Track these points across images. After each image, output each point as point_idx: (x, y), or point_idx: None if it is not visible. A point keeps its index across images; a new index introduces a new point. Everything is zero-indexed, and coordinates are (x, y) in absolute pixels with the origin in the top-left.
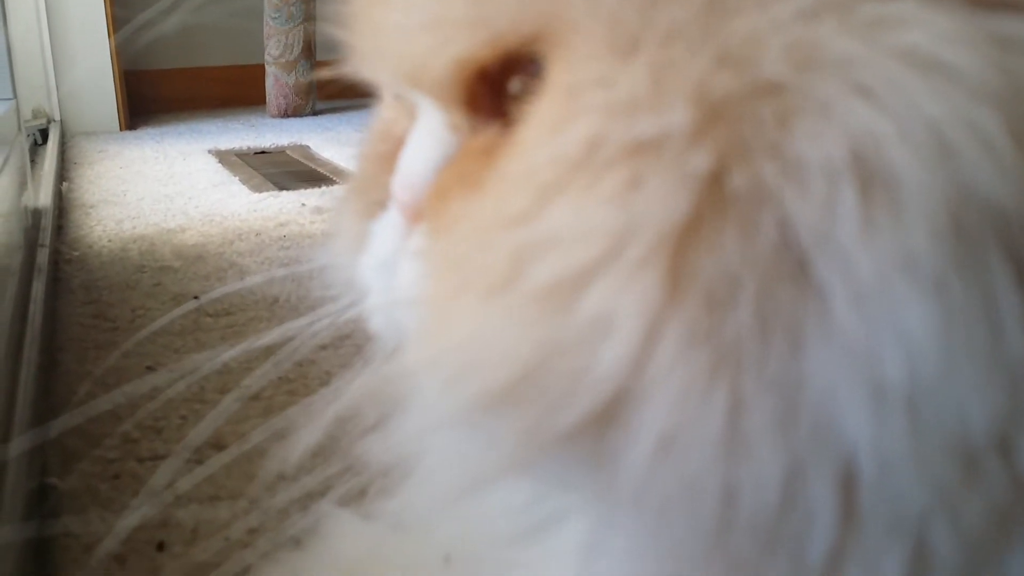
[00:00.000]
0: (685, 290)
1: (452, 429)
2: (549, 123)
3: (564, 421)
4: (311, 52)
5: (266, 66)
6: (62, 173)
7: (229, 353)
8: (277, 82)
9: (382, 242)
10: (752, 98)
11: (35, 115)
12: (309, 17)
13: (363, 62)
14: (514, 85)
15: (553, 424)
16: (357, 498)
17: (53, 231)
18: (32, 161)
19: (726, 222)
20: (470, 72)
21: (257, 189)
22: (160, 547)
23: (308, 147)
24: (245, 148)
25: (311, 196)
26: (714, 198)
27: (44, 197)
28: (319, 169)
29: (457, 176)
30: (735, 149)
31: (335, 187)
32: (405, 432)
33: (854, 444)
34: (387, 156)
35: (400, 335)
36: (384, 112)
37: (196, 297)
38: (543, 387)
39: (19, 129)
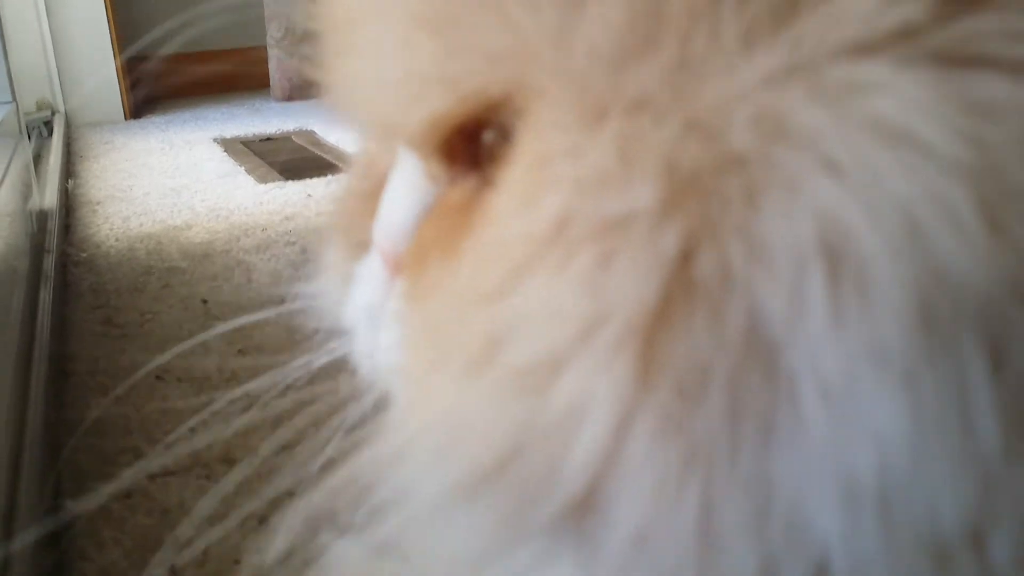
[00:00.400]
0: (656, 379)
1: (439, 510)
2: (519, 195)
3: (543, 508)
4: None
5: (268, 49)
6: (68, 169)
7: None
8: (281, 65)
9: (366, 289)
10: (719, 173)
11: (39, 107)
12: None
13: (338, 108)
14: (488, 136)
15: (533, 511)
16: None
17: (60, 233)
18: (37, 155)
19: (695, 307)
20: (443, 128)
21: (263, 180)
22: (173, 571)
23: (314, 132)
24: (251, 135)
25: (317, 186)
26: (683, 281)
27: (50, 197)
28: (325, 156)
29: (435, 235)
30: (703, 229)
31: (341, 176)
32: (395, 513)
33: (827, 541)
34: (369, 194)
35: (385, 387)
36: (367, 145)
37: (204, 301)
38: (521, 473)
39: (20, 132)
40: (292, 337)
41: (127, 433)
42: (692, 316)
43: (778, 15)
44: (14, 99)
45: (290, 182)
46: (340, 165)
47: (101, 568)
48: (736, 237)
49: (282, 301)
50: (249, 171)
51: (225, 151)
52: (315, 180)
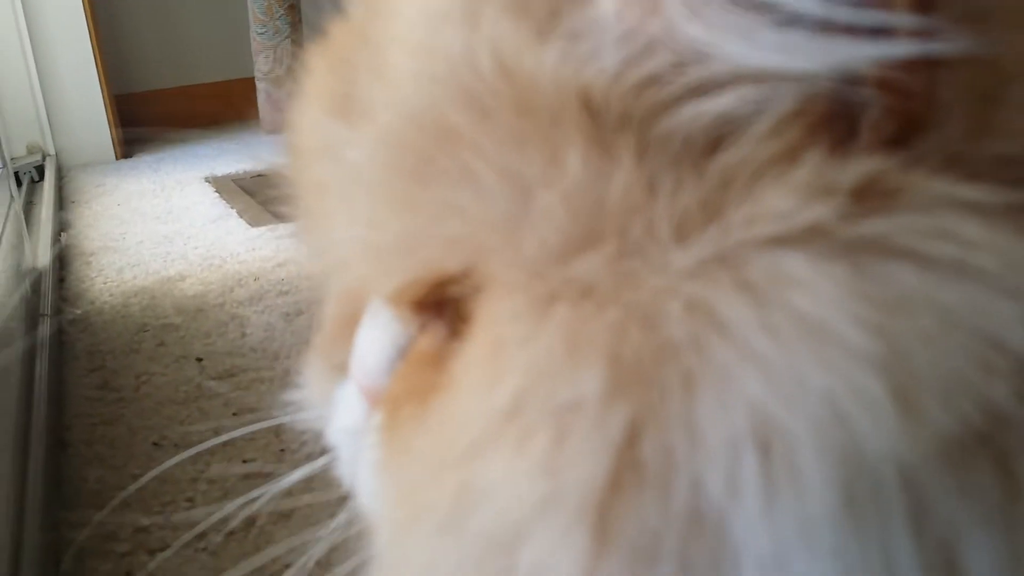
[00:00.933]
0: (611, 547)
1: None
2: (479, 375)
3: None
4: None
5: (256, 82)
6: (60, 219)
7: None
8: (269, 97)
9: (345, 414)
10: (659, 362)
11: (29, 151)
12: (296, 30)
13: (315, 260)
14: (453, 291)
15: None
16: None
17: (54, 289)
18: (28, 203)
19: (643, 485)
20: (408, 293)
21: (255, 221)
22: None
23: None
24: (242, 172)
25: None
26: (631, 461)
27: (43, 254)
28: None
29: (407, 388)
30: (646, 415)
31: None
32: None
33: None
34: (348, 319)
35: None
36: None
37: (200, 359)
38: None
39: (11, 195)
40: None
41: (125, 507)
42: (641, 491)
43: (706, 209)
44: (4, 163)
45: (282, 224)
46: None
47: None
48: (676, 423)
49: (276, 357)
50: (241, 213)
51: (216, 191)
52: None
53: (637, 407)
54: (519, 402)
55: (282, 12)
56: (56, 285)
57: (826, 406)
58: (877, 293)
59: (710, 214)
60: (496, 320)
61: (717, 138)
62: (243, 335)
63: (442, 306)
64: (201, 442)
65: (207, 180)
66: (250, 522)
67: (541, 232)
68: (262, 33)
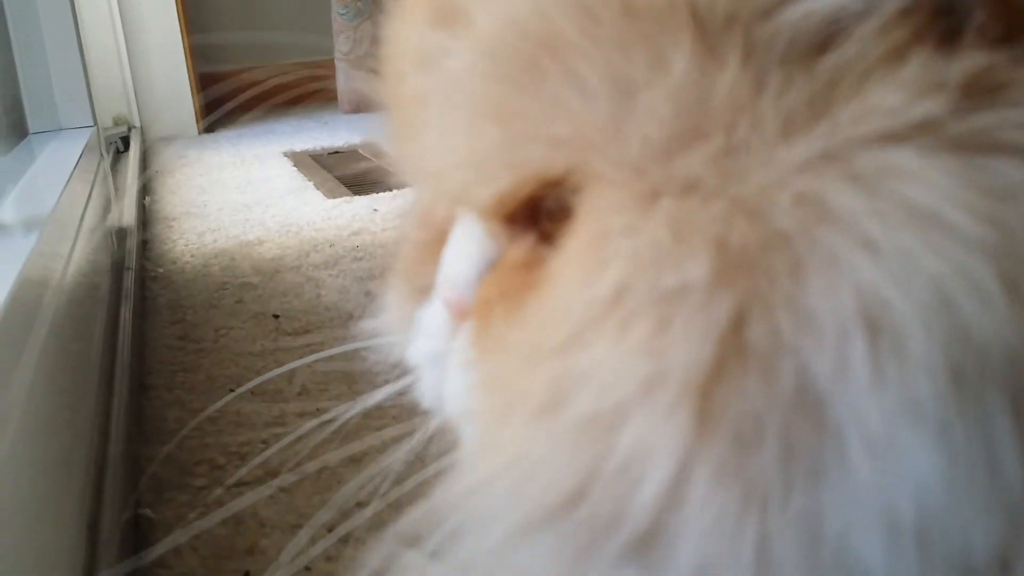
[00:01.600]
0: (713, 430)
1: (511, 542)
2: (581, 267)
3: (610, 543)
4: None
5: (336, 62)
6: (145, 186)
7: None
8: (348, 77)
9: (429, 334)
10: (766, 250)
11: (116, 122)
12: (377, 11)
13: (406, 175)
14: (548, 203)
15: (600, 545)
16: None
17: (138, 249)
18: (114, 170)
19: (748, 367)
20: (507, 203)
21: (331, 194)
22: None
23: (380, 145)
24: (319, 148)
25: (383, 200)
26: (736, 345)
27: (128, 214)
28: (391, 169)
29: (499, 290)
30: (753, 300)
31: (405, 190)
32: (470, 548)
33: (871, 570)
34: (428, 244)
35: (452, 420)
36: (422, 196)
37: (276, 316)
38: (588, 511)
39: (101, 154)
40: (358, 353)
41: (203, 446)
42: (745, 375)
43: (814, 107)
44: (95, 122)
45: (357, 197)
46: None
47: (178, 575)
48: (784, 308)
49: (350, 317)
50: (318, 186)
51: (294, 165)
52: (381, 195)
53: (743, 293)
54: (623, 289)
55: None
56: (140, 245)
57: (935, 290)
58: (986, 183)
59: (818, 112)
60: (599, 214)
61: (825, 38)
62: (318, 296)
63: (533, 218)
64: (277, 390)
65: (285, 155)
66: (323, 468)
67: (645, 130)
68: (343, 14)
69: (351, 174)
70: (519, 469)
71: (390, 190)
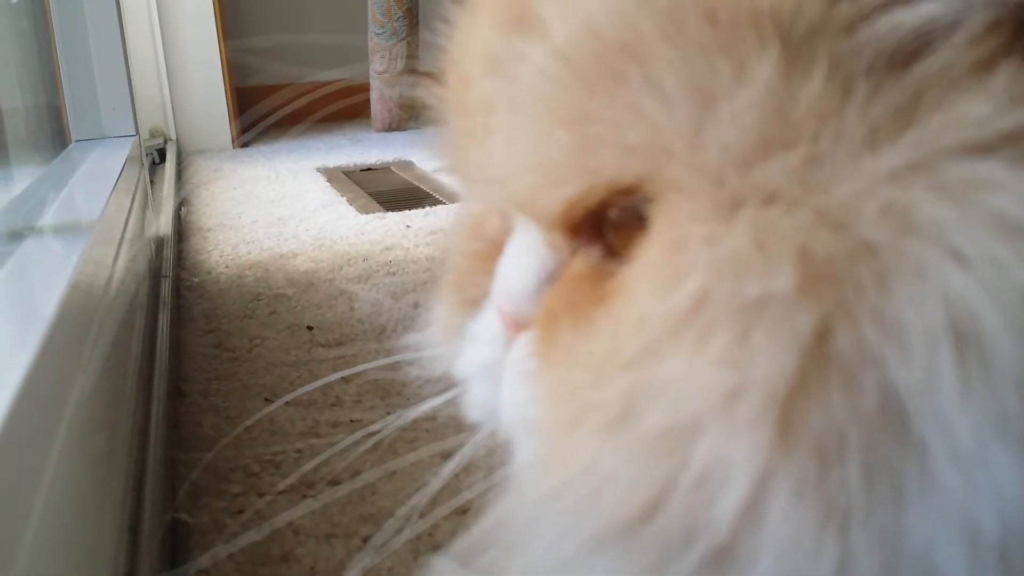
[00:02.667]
0: (794, 444)
1: (575, 559)
2: (657, 277)
3: (683, 560)
4: (416, 67)
5: (371, 81)
6: (180, 197)
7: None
8: (381, 96)
9: (482, 346)
10: (852, 260)
11: (152, 135)
12: (413, 32)
13: (465, 182)
14: (613, 212)
15: (674, 561)
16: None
17: (174, 258)
18: (151, 182)
19: (831, 380)
20: (575, 210)
21: (364, 210)
22: None
23: (412, 163)
24: (352, 165)
25: (415, 217)
26: (819, 357)
27: (164, 224)
28: (423, 187)
29: (565, 302)
30: (838, 311)
31: (438, 207)
32: (534, 561)
33: None
34: (482, 255)
35: (505, 435)
36: (472, 207)
37: (310, 328)
38: (663, 526)
39: (142, 164)
40: (391, 369)
41: (238, 453)
42: (828, 388)
43: (900, 118)
44: (137, 131)
45: (390, 213)
46: (437, 196)
47: None
48: (870, 319)
49: (383, 331)
50: (351, 201)
51: (328, 181)
52: (414, 211)
53: (828, 304)
54: (702, 299)
55: (400, 14)
56: (176, 254)
57: None
58: None
59: (904, 123)
60: (676, 223)
61: (913, 50)
62: (351, 309)
63: (597, 230)
64: (311, 401)
65: (318, 171)
66: (355, 474)
67: (726, 138)
68: (380, 33)
69: (384, 191)
70: (590, 481)
71: (422, 207)
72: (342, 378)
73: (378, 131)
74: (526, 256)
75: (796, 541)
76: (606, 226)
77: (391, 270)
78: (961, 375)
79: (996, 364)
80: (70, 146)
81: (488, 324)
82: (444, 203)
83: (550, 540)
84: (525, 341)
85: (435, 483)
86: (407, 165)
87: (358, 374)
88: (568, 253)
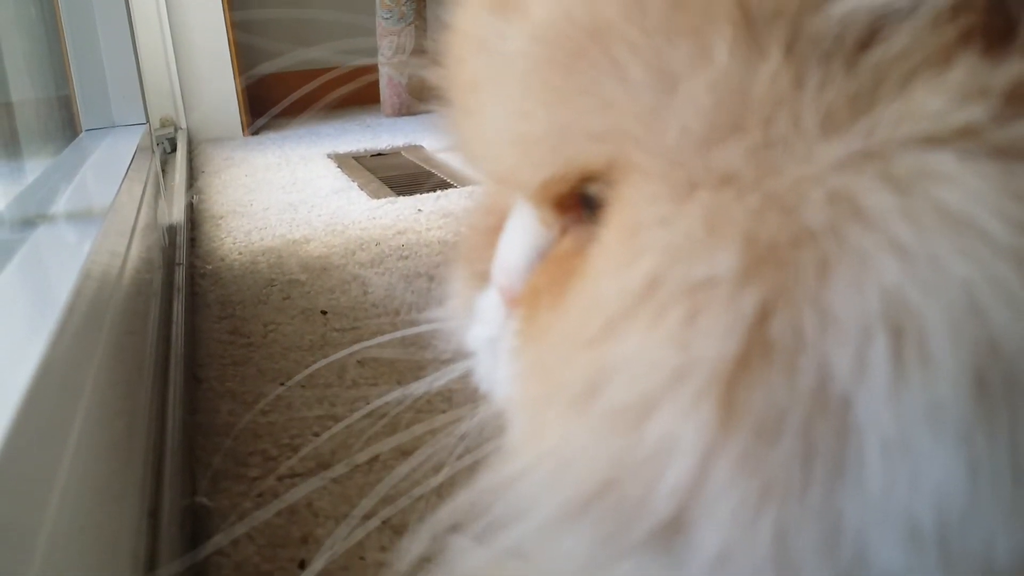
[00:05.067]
0: (737, 422)
1: (550, 527)
2: (614, 257)
3: (635, 531)
4: (423, 51)
5: (379, 66)
6: (192, 185)
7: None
8: (391, 82)
9: (485, 319)
10: (795, 245)
11: (163, 124)
12: (420, 16)
13: (462, 156)
14: (592, 190)
15: (626, 532)
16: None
17: (187, 246)
18: (163, 171)
19: (772, 361)
20: (552, 188)
21: (375, 195)
22: (301, 565)
23: (422, 147)
24: (362, 151)
25: (426, 201)
26: (761, 338)
27: (177, 212)
28: (434, 171)
29: (547, 280)
30: (779, 294)
31: (449, 191)
32: (513, 527)
33: (892, 573)
34: (491, 230)
35: (502, 411)
36: (488, 186)
37: (324, 312)
38: (617, 499)
39: (152, 152)
40: (407, 349)
41: (256, 437)
42: (769, 369)
43: (855, 105)
44: (147, 120)
45: (401, 197)
46: (448, 180)
47: (236, 563)
48: (808, 305)
49: (396, 314)
50: (362, 186)
51: (339, 167)
52: (425, 196)
53: (770, 287)
54: (655, 280)
55: None
56: (189, 242)
57: (963, 295)
58: (1020, 189)
59: (859, 110)
60: (634, 205)
61: (870, 35)
62: (365, 293)
63: (583, 209)
64: (327, 384)
65: (329, 157)
66: (374, 457)
67: (684, 121)
68: (387, 19)
69: (395, 175)
70: (557, 458)
71: (434, 191)
72: (358, 361)
73: (388, 116)
74: (521, 233)
75: (736, 515)
76: (589, 206)
77: (403, 254)
78: (894, 366)
79: (931, 357)
80: (80, 135)
81: (491, 299)
82: (455, 186)
83: (524, 514)
84: (516, 318)
85: (439, 457)
86: (417, 149)
87: (375, 357)
88: (559, 231)
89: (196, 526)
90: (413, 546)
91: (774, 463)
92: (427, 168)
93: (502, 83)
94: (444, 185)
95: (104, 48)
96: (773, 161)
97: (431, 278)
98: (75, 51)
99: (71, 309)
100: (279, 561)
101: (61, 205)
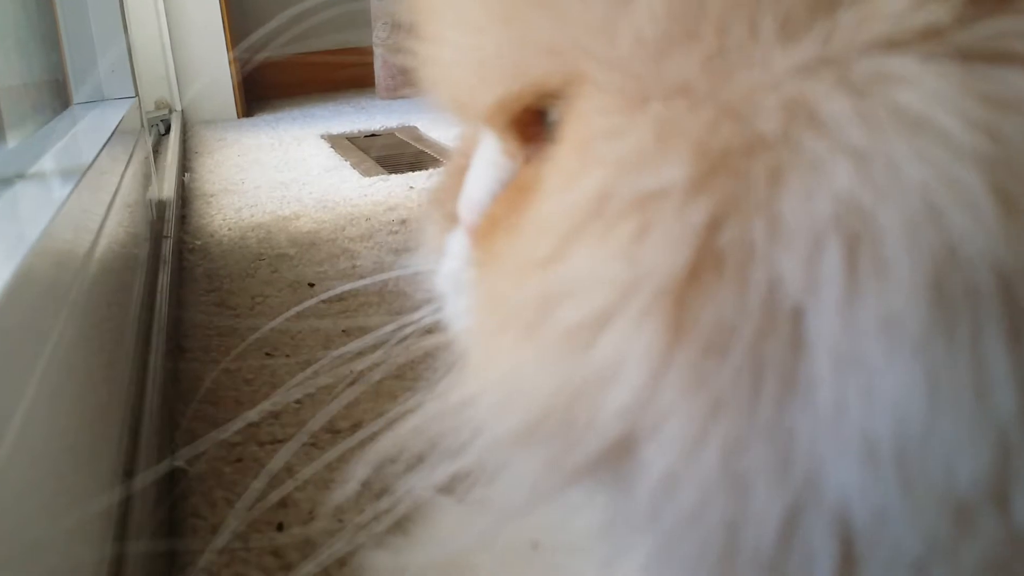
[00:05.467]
0: (685, 337)
1: (501, 456)
2: (565, 173)
3: (582, 455)
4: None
5: (373, 48)
6: (184, 164)
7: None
8: (385, 63)
9: (452, 257)
10: (747, 154)
11: (158, 106)
12: None
13: (424, 89)
14: (553, 114)
15: (572, 457)
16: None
17: (177, 221)
18: (156, 151)
19: (722, 275)
20: (510, 109)
21: (367, 173)
22: (279, 527)
23: (416, 128)
24: (356, 131)
25: (419, 179)
26: (711, 251)
27: (167, 188)
28: (427, 151)
29: (504, 209)
30: (729, 204)
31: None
32: (469, 455)
33: (846, 494)
34: (461, 170)
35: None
36: (464, 127)
37: (311, 284)
38: (565, 423)
39: (142, 126)
40: (394, 318)
41: (238, 404)
42: (719, 282)
43: (813, 9)
44: (136, 94)
45: (393, 175)
46: (441, 159)
47: (213, 526)
48: (759, 213)
49: (384, 286)
50: (354, 165)
51: (331, 147)
52: (417, 174)
53: (720, 198)
54: (604, 193)
55: None
56: (178, 218)
57: (920, 199)
58: (986, 91)
59: (817, 15)
60: (586, 118)
61: None
62: (353, 266)
63: (546, 139)
64: (311, 354)
65: (322, 137)
66: (356, 424)
67: (638, 30)
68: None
69: (387, 155)
70: (507, 384)
71: (426, 169)
72: (343, 331)
73: (382, 98)
74: (485, 166)
75: (684, 434)
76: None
77: (393, 229)
78: (848, 276)
79: (886, 265)
80: (69, 108)
81: (458, 237)
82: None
83: (474, 438)
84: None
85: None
86: (411, 130)
87: (360, 327)
88: (522, 161)
89: (175, 491)
90: (355, 472)
91: (723, 379)
92: (421, 148)
93: (459, 4)
94: (438, 164)
95: (94, 21)
96: (728, 69)
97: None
98: (66, 26)
99: (34, 263)
100: (257, 524)
101: (41, 165)
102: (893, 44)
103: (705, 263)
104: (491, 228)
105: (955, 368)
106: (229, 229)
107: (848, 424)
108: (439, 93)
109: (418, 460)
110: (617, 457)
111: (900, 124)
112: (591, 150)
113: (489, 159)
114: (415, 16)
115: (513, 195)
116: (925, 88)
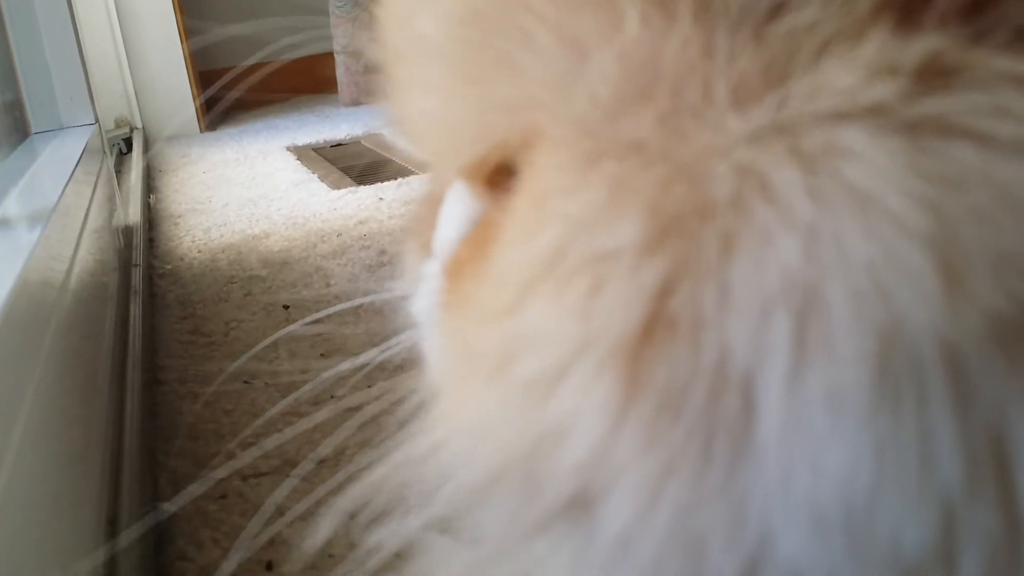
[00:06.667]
0: (639, 395)
1: (470, 503)
2: (522, 226)
3: (541, 508)
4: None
5: (335, 56)
6: (148, 184)
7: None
8: (348, 71)
9: (426, 290)
10: (699, 217)
11: (118, 124)
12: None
13: (399, 133)
14: (517, 167)
15: (533, 509)
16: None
17: (145, 245)
18: (118, 172)
19: (675, 335)
20: (481, 167)
21: (336, 185)
22: (269, 567)
23: (382, 135)
24: (322, 142)
25: (388, 189)
26: (663, 312)
27: (133, 212)
28: (394, 159)
29: (472, 250)
30: (680, 268)
31: (410, 178)
32: (439, 503)
33: (797, 558)
34: (437, 200)
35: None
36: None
37: (286, 307)
38: (526, 475)
39: (104, 152)
40: (373, 341)
41: (219, 437)
42: (672, 343)
43: (767, 77)
44: (96, 120)
45: (362, 187)
46: (409, 167)
47: (201, 567)
48: (710, 280)
49: (361, 305)
50: (322, 178)
51: (298, 159)
52: (386, 184)
53: (672, 260)
54: (559, 250)
55: None
56: (146, 242)
57: (866, 276)
58: (931, 169)
59: (771, 82)
60: (543, 174)
61: (779, 4)
62: (327, 285)
63: (512, 180)
64: (291, 381)
65: (288, 149)
66: (340, 451)
67: (593, 89)
68: (340, 7)
69: (355, 165)
70: (471, 432)
71: (395, 179)
72: (321, 355)
73: (346, 106)
74: (456, 204)
75: (638, 491)
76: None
77: (365, 244)
78: (795, 348)
79: (831, 340)
80: (29, 138)
81: (432, 270)
82: (417, 173)
83: (440, 495)
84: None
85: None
86: (377, 138)
87: (339, 349)
88: (492, 203)
89: (160, 533)
90: (322, 526)
91: (676, 439)
92: (388, 156)
93: (425, 57)
94: (406, 172)
95: (48, 51)
96: (681, 130)
97: (393, 264)
98: (20, 55)
99: (10, 311)
100: (246, 563)
101: (5, 210)
102: (843, 117)
103: (658, 323)
104: (457, 269)
105: (900, 439)
106: (199, 251)
107: (796, 492)
108: (410, 146)
109: (390, 507)
110: (576, 511)
111: (848, 200)
112: (547, 206)
113: (459, 198)
114: (387, 60)
115: (480, 238)
116: (873, 164)
